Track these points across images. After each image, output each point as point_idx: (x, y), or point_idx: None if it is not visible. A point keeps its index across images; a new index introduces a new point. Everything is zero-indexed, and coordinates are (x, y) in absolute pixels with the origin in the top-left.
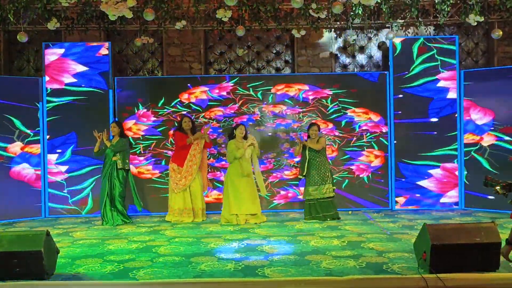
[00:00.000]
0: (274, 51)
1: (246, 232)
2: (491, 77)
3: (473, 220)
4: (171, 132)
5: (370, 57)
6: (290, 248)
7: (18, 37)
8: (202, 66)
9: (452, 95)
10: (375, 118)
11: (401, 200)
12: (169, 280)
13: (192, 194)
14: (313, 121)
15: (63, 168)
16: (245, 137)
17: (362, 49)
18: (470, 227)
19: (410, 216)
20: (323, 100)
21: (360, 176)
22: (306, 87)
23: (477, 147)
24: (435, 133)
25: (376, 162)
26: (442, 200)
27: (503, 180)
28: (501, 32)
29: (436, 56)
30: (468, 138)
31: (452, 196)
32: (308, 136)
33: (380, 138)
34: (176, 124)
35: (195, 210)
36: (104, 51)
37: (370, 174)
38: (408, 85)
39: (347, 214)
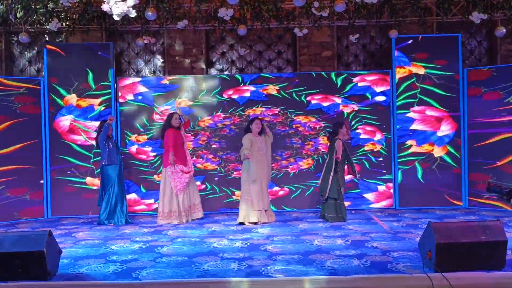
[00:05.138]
0: (276, 51)
1: (249, 232)
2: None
3: (477, 219)
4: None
5: (372, 55)
6: (293, 247)
7: (19, 37)
8: (204, 66)
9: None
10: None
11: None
12: (172, 280)
13: (191, 190)
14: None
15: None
16: (262, 132)
17: (364, 48)
18: (476, 225)
19: (414, 215)
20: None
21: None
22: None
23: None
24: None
25: (379, 136)
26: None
27: (506, 186)
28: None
29: (418, 94)
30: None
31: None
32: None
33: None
34: (164, 122)
35: (194, 205)
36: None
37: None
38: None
39: (350, 213)
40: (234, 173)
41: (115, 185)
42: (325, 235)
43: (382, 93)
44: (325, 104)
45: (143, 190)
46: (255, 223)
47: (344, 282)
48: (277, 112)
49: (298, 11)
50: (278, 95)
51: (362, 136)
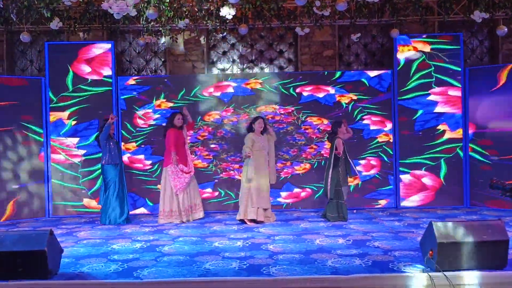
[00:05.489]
0: (277, 50)
1: (250, 231)
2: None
3: (479, 218)
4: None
5: (374, 55)
6: (295, 246)
7: (21, 37)
8: (205, 65)
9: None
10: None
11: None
12: (174, 279)
13: (191, 190)
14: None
15: (82, 151)
16: (264, 130)
17: (365, 47)
18: (477, 225)
19: (415, 214)
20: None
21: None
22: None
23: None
24: None
25: (389, 126)
26: (402, 203)
27: (508, 183)
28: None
29: (432, 73)
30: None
31: (413, 200)
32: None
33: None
34: (166, 122)
35: (195, 205)
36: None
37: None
38: (401, 98)
39: (352, 213)
40: (224, 173)
41: (115, 185)
42: (327, 235)
43: (378, 77)
44: (319, 95)
45: (150, 204)
46: (254, 220)
47: (345, 282)
48: (290, 111)
49: (299, 10)
50: (263, 89)
51: (371, 127)
